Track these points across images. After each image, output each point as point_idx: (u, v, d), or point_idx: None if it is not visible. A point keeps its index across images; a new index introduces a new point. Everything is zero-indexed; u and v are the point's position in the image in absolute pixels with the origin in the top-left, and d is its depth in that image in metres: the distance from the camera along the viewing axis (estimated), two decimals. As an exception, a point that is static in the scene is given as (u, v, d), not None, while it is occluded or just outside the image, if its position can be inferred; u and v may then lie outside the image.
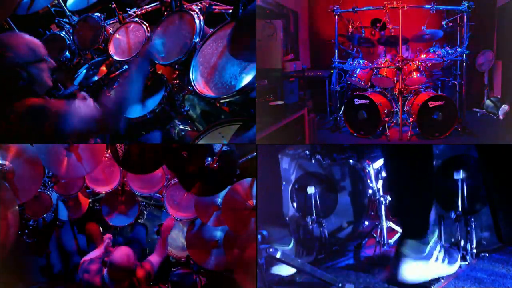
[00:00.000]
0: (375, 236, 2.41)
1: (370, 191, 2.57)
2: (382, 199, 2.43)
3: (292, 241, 2.31)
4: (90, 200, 3.30)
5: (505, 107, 3.34)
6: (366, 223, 2.61)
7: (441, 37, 3.55)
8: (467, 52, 3.34)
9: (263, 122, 2.51)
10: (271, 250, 1.95)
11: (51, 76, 2.11)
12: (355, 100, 3.39)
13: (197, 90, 2.34)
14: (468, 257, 2.21)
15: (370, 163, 2.57)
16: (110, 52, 2.90)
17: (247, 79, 2.19)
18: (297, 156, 2.58)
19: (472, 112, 3.58)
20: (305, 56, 4.10)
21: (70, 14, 3.20)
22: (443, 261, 2.03)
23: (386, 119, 3.44)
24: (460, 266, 2.14)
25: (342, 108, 3.58)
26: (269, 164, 2.35)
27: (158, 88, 2.76)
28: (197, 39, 2.50)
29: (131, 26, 2.92)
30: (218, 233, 2.89)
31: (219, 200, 2.64)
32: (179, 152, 2.30)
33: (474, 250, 2.23)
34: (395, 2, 3.30)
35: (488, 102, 3.53)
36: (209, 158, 2.33)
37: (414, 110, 3.35)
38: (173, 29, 2.70)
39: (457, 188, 2.32)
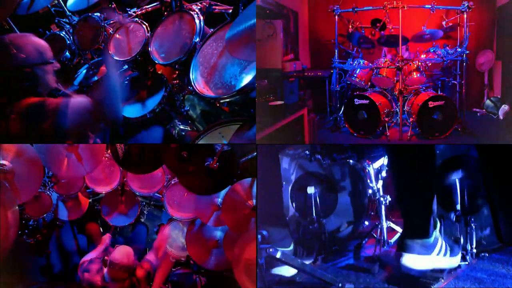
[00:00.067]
0: (375, 236, 2.41)
1: (370, 191, 2.57)
2: (382, 199, 2.43)
3: (292, 244, 2.31)
4: (90, 200, 3.30)
5: (505, 107, 3.34)
6: (366, 223, 2.61)
7: (441, 37, 3.55)
8: (467, 52, 3.34)
9: (263, 122, 2.51)
10: (271, 250, 1.96)
11: (55, 78, 2.12)
12: (355, 100, 3.39)
13: (197, 90, 2.34)
14: (468, 257, 2.21)
15: (370, 163, 2.57)
16: (110, 52, 2.90)
17: (247, 79, 2.19)
18: (297, 156, 2.58)
19: (472, 112, 3.58)
20: (305, 56, 4.09)
21: (70, 14, 3.20)
22: (445, 254, 2.03)
23: (386, 119, 3.44)
24: (460, 266, 2.14)
25: (342, 108, 3.58)
26: (269, 164, 2.35)
27: (158, 88, 2.76)
28: (197, 39, 2.49)
29: (131, 26, 2.92)
30: (218, 233, 2.89)
31: (219, 200, 2.64)
32: (179, 152, 2.30)
33: (474, 250, 2.23)
34: (395, 2, 3.29)
35: (488, 102, 3.52)
36: (209, 158, 2.33)
37: (414, 110, 3.35)
38: (173, 29, 2.70)
39: (457, 188, 2.32)
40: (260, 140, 2.31)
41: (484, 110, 3.53)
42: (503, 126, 3.27)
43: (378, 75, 3.51)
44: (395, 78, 3.43)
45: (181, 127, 2.82)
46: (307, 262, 2.32)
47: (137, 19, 2.91)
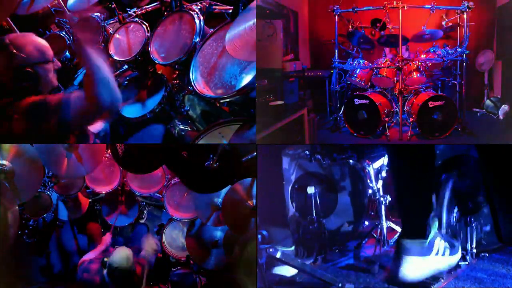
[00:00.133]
0: (375, 236, 2.41)
1: (370, 191, 2.57)
2: (382, 199, 2.43)
3: (293, 243, 2.31)
4: (90, 200, 3.30)
5: (505, 107, 3.34)
6: (366, 223, 2.61)
7: (441, 37, 3.55)
8: (467, 52, 3.34)
9: (263, 122, 2.51)
10: (271, 250, 1.96)
11: (56, 77, 2.13)
12: (355, 100, 3.39)
13: (197, 90, 2.34)
14: (468, 257, 2.21)
15: (370, 163, 2.57)
16: (110, 52, 2.90)
17: (247, 79, 2.19)
18: (297, 156, 2.58)
19: (472, 112, 3.58)
20: (305, 56, 4.10)
21: (70, 14, 3.20)
22: (443, 253, 2.03)
23: (386, 119, 3.44)
24: (460, 266, 2.14)
25: (342, 108, 3.58)
26: (271, 164, 2.35)
27: (158, 88, 2.76)
28: (197, 39, 2.49)
29: (131, 26, 2.92)
30: (218, 233, 2.89)
31: (219, 200, 2.64)
32: (179, 152, 2.30)
33: (474, 250, 2.23)
34: (395, 2, 3.30)
35: (488, 102, 3.53)
36: (209, 158, 2.33)
37: (414, 110, 3.35)
38: (173, 29, 2.70)
39: (457, 188, 2.32)
40: (260, 140, 2.31)
41: (484, 110, 3.53)
42: (503, 126, 3.27)
43: (378, 75, 3.51)
44: (395, 78, 3.43)
45: (181, 127, 2.82)
46: (307, 262, 2.32)
47: (137, 19, 2.91)
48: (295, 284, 2.12)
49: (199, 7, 2.64)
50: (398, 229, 2.45)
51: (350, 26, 3.76)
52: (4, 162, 2.14)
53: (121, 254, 2.55)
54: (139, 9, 2.96)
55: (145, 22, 2.86)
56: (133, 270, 2.59)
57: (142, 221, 3.47)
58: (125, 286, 2.59)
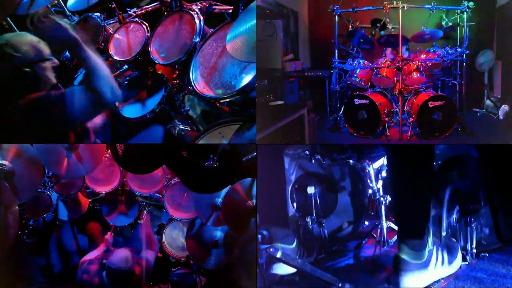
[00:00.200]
0: (375, 236, 2.41)
1: (370, 191, 2.57)
2: (382, 199, 2.43)
3: (295, 241, 2.30)
4: (90, 200, 3.30)
5: (505, 107, 3.34)
6: (366, 223, 2.61)
7: (441, 37, 3.55)
8: (467, 52, 3.35)
9: (263, 122, 2.51)
10: (271, 250, 1.95)
11: (55, 74, 2.13)
12: (355, 100, 3.39)
13: (197, 90, 2.34)
14: (468, 257, 2.21)
15: (370, 163, 2.57)
16: (110, 52, 2.90)
17: (247, 79, 2.19)
18: (297, 156, 2.58)
19: (472, 112, 3.58)
20: (305, 56, 4.10)
21: (70, 14, 3.20)
22: (442, 263, 2.03)
23: (386, 119, 3.44)
24: (460, 266, 2.14)
25: (342, 108, 3.58)
26: (271, 164, 2.35)
27: (158, 88, 2.76)
28: (197, 39, 2.49)
29: (131, 26, 2.92)
30: (218, 233, 2.89)
31: (219, 200, 2.64)
32: (179, 152, 2.30)
33: (474, 250, 2.23)
34: (395, 2, 3.30)
35: (488, 102, 3.53)
36: (209, 158, 2.33)
37: (414, 110, 3.35)
38: (173, 29, 2.70)
39: (457, 188, 2.32)
40: (260, 140, 2.31)
41: (484, 110, 3.53)
42: (503, 126, 3.27)
43: (378, 75, 3.51)
44: (395, 78, 3.43)
45: (181, 127, 2.82)
46: (307, 262, 2.32)
47: (137, 19, 2.91)
48: (295, 284, 2.12)
49: (199, 7, 2.64)
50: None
51: (350, 26, 3.76)
52: (4, 162, 2.14)
53: (120, 256, 2.56)
54: (139, 9, 2.96)
55: (145, 22, 2.86)
56: (132, 271, 2.59)
57: (141, 221, 3.47)
58: (124, 287, 2.60)
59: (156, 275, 2.97)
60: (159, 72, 2.86)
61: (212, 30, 2.52)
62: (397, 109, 3.44)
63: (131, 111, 2.76)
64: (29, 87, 2.00)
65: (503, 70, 3.56)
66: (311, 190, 2.44)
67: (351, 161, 2.64)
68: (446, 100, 3.23)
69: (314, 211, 2.41)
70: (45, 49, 2.07)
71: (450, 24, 3.58)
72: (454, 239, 2.27)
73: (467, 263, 2.19)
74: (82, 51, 2.05)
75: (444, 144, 2.97)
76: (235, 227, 2.46)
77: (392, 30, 3.62)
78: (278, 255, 1.96)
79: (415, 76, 3.45)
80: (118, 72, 2.96)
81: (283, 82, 3.40)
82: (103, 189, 3.13)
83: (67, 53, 3.15)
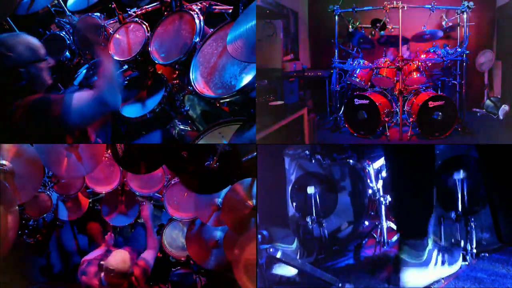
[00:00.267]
0: (375, 236, 2.41)
1: (370, 191, 2.57)
2: (382, 199, 2.43)
3: (296, 241, 2.30)
4: (90, 200, 3.30)
5: (505, 107, 3.34)
6: (366, 223, 2.61)
7: (441, 37, 3.55)
8: (467, 52, 3.34)
9: (263, 122, 2.51)
10: (271, 250, 1.95)
11: (50, 75, 2.13)
12: (355, 100, 3.39)
13: (197, 90, 2.34)
14: (468, 257, 2.21)
15: (370, 163, 2.57)
16: (110, 52, 2.90)
17: (247, 79, 2.19)
18: (297, 156, 2.58)
19: (472, 112, 3.58)
20: (305, 56, 4.10)
21: (70, 14, 3.20)
22: (443, 263, 2.03)
23: (386, 119, 3.44)
24: (460, 266, 2.14)
25: (342, 108, 3.58)
26: (271, 164, 2.35)
27: (158, 88, 2.76)
28: (197, 39, 2.49)
29: (131, 26, 2.92)
30: (218, 233, 2.88)
31: (219, 200, 2.64)
32: (179, 152, 2.30)
33: (474, 250, 2.23)
34: (395, 2, 3.30)
35: (488, 102, 3.52)
36: (209, 158, 2.33)
37: (414, 110, 3.35)
38: (173, 29, 2.71)
39: (457, 188, 2.32)
40: (260, 140, 2.31)
41: (484, 110, 3.53)
42: (503, 126, 3.27)
43: (378, 75, 3.51)
44: (395, 78, 3.43)
45: (181, 127, 2.82)
46: (307, 262, 2.32)
47: (137, 19, 2.91)
48: (295, 284, 2.12)
49: (199, 7, 2.64)
50: (398, 229, 2.45)
51: (350, 26, 3.76)
52: (4, 162, 2.14)
53: (118, 257, 2.55)
54: (139, 9, 2.96)
55: (145, 22, 2.86)
56: (130, 273, 2.59)
57: (141, 220, 3.47)
58: (123, 286, 2.59)
59: (156, 275, 2.97)
60: (159, 72, 2.86)
61: (212, 30, 2.52)
62: (397, 109, 3.44)
63: (131, 111, 2.76)
64: (24, 87, 2.00)
65: (503, 70, 3.56)
66: (311, 190, 2.44)
67: (351, 161, 2.64)
68: (446, 100, 3.23)
69: (314, 211, 2.41)
70: (41, 49, 2.07)
71: (450, 24, 3.57)
72: (455, 240, 2.28)
73: (467, 263, 2.19)
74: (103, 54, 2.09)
75: (444, 144, 2.96)
76: (235, 227, 2.46)
77: (392, 30, 3.62)
78: (278, 255, 1.96)
79: (415, 76, 3.45)
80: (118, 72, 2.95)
81: (283, 82, 3.40)
82: (103, 189, 3.13)
83: (67, 53, 3.15)
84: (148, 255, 2.91)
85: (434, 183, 2.08)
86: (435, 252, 2.02)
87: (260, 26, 2.97)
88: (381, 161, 2.61)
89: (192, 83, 2.38)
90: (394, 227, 2.46)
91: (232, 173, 2.34)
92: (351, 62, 3.64)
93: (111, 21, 3.12)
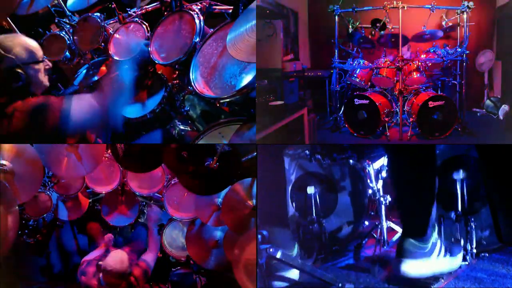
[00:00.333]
0: (375, 236, 2.41)
1: (370, 191, 2.57)
2: (382, 199, 2.43)
3: (296, 247, 2.30)
4: (90, 200, 3.30)
5: (505, 107, 3.34)
6: (366, 223, 2.61)
7: (441, 37, 3.55)
8: (467, 52, 3.34)
9: (263, 122, 2.51)
10: (271, 250, 1.95)
11: (48, 76, 2.13)
12: (355, 100, 3.39)
13: (197, 90, 2.34)
14: (468, 257, 2.21)
15: (370, 163, 2.57)
16: (110, 52, 2.90)
17: (247, 79, 2.19)
18: (297, 156, 2.58)
19: (472, 112, 3.58)
20: (305, 56, 4.10)
21: (70, 14, 3.20)
22: (445, 255, 2.03)
23: (386, 119, 3.44)
24: (460, 266, 2.14)
25: (342, 108, 3.58)
26: (271, 164, 2.35)
27: (158, 88, 2.76)
28: (197, 39, 2.49)
29: (131, 26, 2.92)
30: (218, 233, 2.89)
31: (219, 200, 2.64)
32: (179, 152, 2.30)
33: (474, 250, 2.23)
34: (395, 2, 3.30)
35: (488, 102, 3.52)
36: (209, 158, 2.33)
37: (414, 110, 3.35)
38: (173, 29, 2.70)
39: (457, 188, 2.32)
40: (260, 140, 2.31)
41: (484, 110, 3.53)
42: (503, 126, 3.27)
43: (378, 75, 3.51)
44: (395, 78, 3.43)
45: (181, 127, 2.82)
46: (307, 262, 2.32)
47: (137, 19, 2.91)
48: (295, 284, 2.12)
49: (199, 7, 2.64)
50: (398, 229, 2.45)
51: (350, 26, 3.76)
52: (4, 162, 2.14)
53: (116, 257, 2.55)
54: (139, 9, 2.96)
55: (145, 22, 2.86)
56: (128, 273, 2.59)
57: (142, 220, 3.47)
58: (122, 286, 2.60)
59: (156, 275, 2.97)
60: (159, 72, 2.86)
61: (212, 30, 2.52)
62: (397, 109, 3.44)
63: (131, 111, 2.76)
64: (21, 88, 2.00)
65: (503, 70, 3.56)
66: (311, 190, 2.44)
67: (351, 161, 2.64)
68: (446, 100, 3.23)
69: (314, 211, 2.41)
70: (38, 51, 2.08)
71: (450, 24, 3.57)
72: (454, 240, 2.28)
73: (467, 263, 2.19)
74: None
75: (444, 144, 2.97)
76: (235, 227, 2.46)
77: (392, 30, 3.62)
78: (278, 255, 1.96)
79: (415, 76, 3.45)
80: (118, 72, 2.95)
81: (283, 82, 3.40)
82: (103, 189, 3.13)
83: (67, 53, 3.15)
84: (149, 257, 2.91)
85: (434, 183, 2.07)
86: (438, 245, 2.02)
87: (260, 26, 2.97)
88: (381, 161, 2.61)
89: (192, 83, 2.38)
90: (394, 227, 2.46)
91: (232, 173, 2.34)
92: (351, 62, 3.64)
93: (111, 21, 3.12)
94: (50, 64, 2.16)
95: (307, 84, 3.85)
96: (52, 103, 1.98)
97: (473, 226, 2.24)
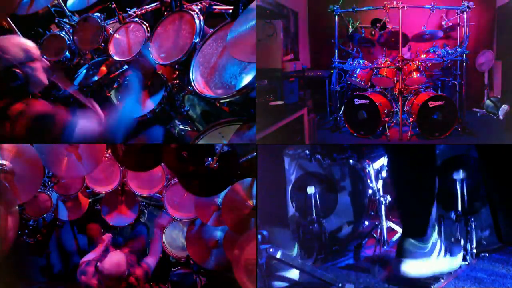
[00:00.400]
0: (375, 236, 2.41)
1: (370, 191, 2.57)
2: (382, 199, 2.43)
3: (296, 247, 2.30)
4: (90, 200, 3.30)
5: (505, 107, 3.34)
6: (366, 223, 2.61)
7: (441, 37, 3.55)
8: (467, 52, 3.34)
9: (263, 122, 2.51)
10: (271, 250, 1.95)
11: (46, 75, 2.14)
12: (355, 100, 3.39)
13: (197, 90, 2.34)
14: (468, 257, 2.21)
15: (370, 163, 2.57)
16: (110, 52, 2.90)
17: (247, 79, 2.19)
18: (297, 156, 2.58)
19: (472, 112, 3.58)
20: (305, 56, 4.10)
21: (70, 14, 3.20)
22: (445, 255, 2.03)
23: (386, 119, 3.44)
24: (460, 266, 2.14)
25: (342, 108, 3.58)
26: (271, 164, 2.35)
27: (158, 88, 2.76)
28: (197, 39, 2.50)
29: (131, 26, 2.92)
30: (218, 233, 2.89)
31: (219, 200, 2.64)
32: (179, 152, 2.30)
33: (474, 250, 2.23)
34: (395, 2, 3.30)
35: (488, 102, 3.52)
36: (209, 158, 2.33)
37: (414, 110, 3.35)
38: (173, 29, 2.70)
39: (457, 188, 2.32)
40: (260, 140, 2.31)
41: (484, 110, 3.52)
42: (503, 126, 3.27)
43: (378, 75, 3.51)
44: (395, 78, 3.42)
45: (181, 127, 2.82)
46: (307, 262, 2.32)
47: (137, 19, 2.91)
48: (295, 284, 2.12)
49: (199, 7, 2.64)
50: (398, 229, 2.45)
51: (350, 26, 3.76)
52: (4, 162, 2.14)
53: (113, 261, 2.54)
54: (139, 9, 2.96)
55: (145, 22, 2.86)
56: (125, 277, 2.59)
57: (142, 220, 3.47)
58: (122, 286, 2.60)
59: (156, 275, 2.97)
60: (159, 72, 2.86)
61: (212, 30, 2.52)
62: (397, 109, 3.44)
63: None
64: (19, 87, 2.01)
65: (503, 70, 3.56)
66: (311, 190, 2.44)
67: (351, 161, 2.64)
68: (446, 100, 3.23)
69: (314, 211, 2.41)
70: (34, 50, 2.09)
71: (450, 24, 3.57)
72: (454, 240, 2.27)
73: (467, 263, 2.19)
74: None
75: (444, 144, 2.96)
76: (235, 227, 2.46)
77: (392, 30, 3.62)
78: (278, 255, 1.96)
79: (415, 76, 3.45)
80: (118, 72, 2.95)
81: (283, 82, 3.40)
82: (103, 189, 3.13)
83: (67, 53, 3.15)
84: (151, 260, 2.92)
85: (434, 183, 2.07)
86: (438, 245, 2.02)
87: (260, 26, 2.96)
88: (381, 161, 2.61)
89: (192, 83, 2.38)
90: (394, 227, 2.46)
91: (232, 173, 2.34)
92: (351, 62, 3.64)
93: (111, 21, 3.12)
94: (48, 64, 2.18)
95: (307, 84, 3.85)
96: (58, 115, 2.00)
97: (473, 226, 2.24)
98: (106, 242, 3.05)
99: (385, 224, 2.40)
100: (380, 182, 2.52)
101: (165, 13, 2.80)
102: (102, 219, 3.25)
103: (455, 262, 2.09)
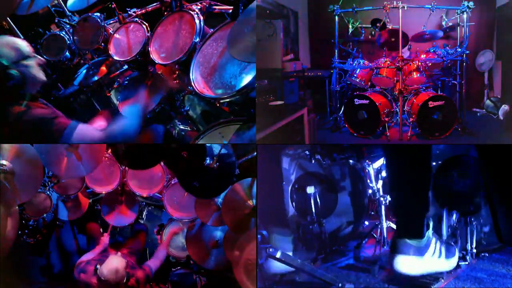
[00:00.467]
0: (375, 236, 2.41)
1: (370, 191, 2.56)
2: (382, 199, 2.43)
3: (296, 247, 2.30)
4: (90, 200, 3.30)
5: (505, 107, 3.34)
6: (366, 223, 2.61)
7: (441, 37, 3.55)
8: (467, 52, 3.34)
9: (263, 122, 2.51)
10: (271, 250, 1.95)
11: (43, 71, 2.14)
12: (355, 100, 3.39)
13: (197, 90, 2.34)
14: (468, 257, 2.20)
15: (370, 163, 2.57)
16: (110, 52, 2.90)
17: (247, 79, 2.19)
18: (297, 156, 2.57)
19: (472, 112, 3.58)
20: (305, 56, 4.10)
21: (70, 14, 3.20)
22: (439, 255, 2.03)
23: (386, 119, 3.44)
24: (460, 266, 2.14)
25: (342, 108, 3.58)
26: (270, 164, 2.35)
27: (158, 88, 2.76)
28: (197, 39, 2.50)
29: (131, 26, 2.92)
30: (218, 233, 2.89)
31: (219, 200, 2.64)
32: (179, 152, 2.30)
33: (474, 250, 2.23)
34: (395, 2, 3.30)
35: (488, 102, 3.53)
36: (209, 158, 2.33)
37: (414, 110, 3.35)
38: (173, 29, 2.71)
39: (457, 188, 2.32)
40: (260, 140, 2.31)
41: (484, 110, 3.53)
42: (503, 126, 3.27)
43: (378, 75, 3.51)
44: (395, 78, 3.43)
45: (181, 127, 2.82)
46: (307, 262, 2.32)
47: (137, 19, 2.91)
48: (295, 284, 2.12)
49: (199, 7, 2.64)
50: (398, 228, 2.44)
51: (350, 26, 3.76)
52: (4, 162, 2.14)
53: (111, 266, 2.54)
54: (139, 9, 2.96)
55: (145, 22, 2.86)
56: (123, 283, 2.58)
57: (142, 221, 3.47)
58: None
59: (156, 275, 2.97)
60: (159, 72, 2.86)
61: (212, 30, 2.52)
62: (397, 109, 3.44)
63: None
64: (14, 87, 2.01)
65: (503, 70, 3.56)
66: (311, 190, 2.43)
67: (351, 161, 2.64)
68: (446, 100, 3.23)
69: (314, 211, 2.41)
70: (26, 47, 2.09)
71: (450, 24, 3.57)
72: (453, 240, 2.27)
73: (467, 263, 2.19)
74: None
75: (444, 144, 2.96)
76: (235, 227, 2.46)
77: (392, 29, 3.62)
78: (278, 255, 1.96)
79: (415, 76, 3.45)
80: (118, 72, 2.96)
81: (283, 82, 3.40)
82: (103, 189, 3.13)
83: (67, 53, 3.15)
84: (154, 265, 2.92)
85: (433, 183, 2.07)
86: (433, 243, 2.02)
87: (260, 26, 2.96)
88: (381, 161, 2.61)
89: (192, 83, 2.38)
90: (394, 227, 2.46)
91: (232, 173, 2.34)
92: (351, 62, 3.64)
93: (111, 21, 3.12)
94: (43, 60, 2.18)
95: (307, 84, 3.85)
96: (59, 121, 2.01)
97: (473, 226, 2.24)
98: (104, 243, 3.05)
99: (385, 224, 2.40)
100: (380, 182, 2.52)
101: (165, 13, 2.80)
102: (102, 219, 3.25)
103: (453, 261, 2.09)
